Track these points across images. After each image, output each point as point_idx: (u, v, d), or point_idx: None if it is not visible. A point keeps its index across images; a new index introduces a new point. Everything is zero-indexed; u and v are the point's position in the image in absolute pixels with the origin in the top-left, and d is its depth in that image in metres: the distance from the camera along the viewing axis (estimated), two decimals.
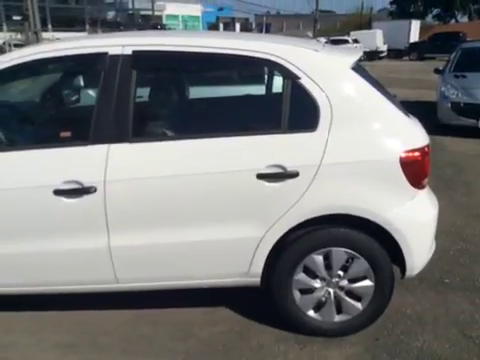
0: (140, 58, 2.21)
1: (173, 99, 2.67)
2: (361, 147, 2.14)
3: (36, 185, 2.14)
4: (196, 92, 3.16)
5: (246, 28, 48.20)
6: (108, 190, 2.13)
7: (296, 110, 2.17)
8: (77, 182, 2.12)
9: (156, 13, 42.52)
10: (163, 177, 2.15)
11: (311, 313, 2.32)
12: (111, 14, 43.52)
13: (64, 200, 2.14)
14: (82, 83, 3.76)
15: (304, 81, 2.15)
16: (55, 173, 2.15)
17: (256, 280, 2.30)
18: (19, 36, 21.97)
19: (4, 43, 23.53)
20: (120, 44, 2.23)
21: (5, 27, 26.98)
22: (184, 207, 2.19)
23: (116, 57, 2.19)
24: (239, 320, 2.51)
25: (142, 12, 43.16)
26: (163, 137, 2.31)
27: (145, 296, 2.44)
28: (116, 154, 2.15)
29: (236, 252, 2.23)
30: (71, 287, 2.35)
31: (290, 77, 2.17)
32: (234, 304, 2.62)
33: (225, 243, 2.21)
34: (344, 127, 2.13)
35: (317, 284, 2.27)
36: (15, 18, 28.16)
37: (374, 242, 2.20)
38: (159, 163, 2.17)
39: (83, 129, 2.20)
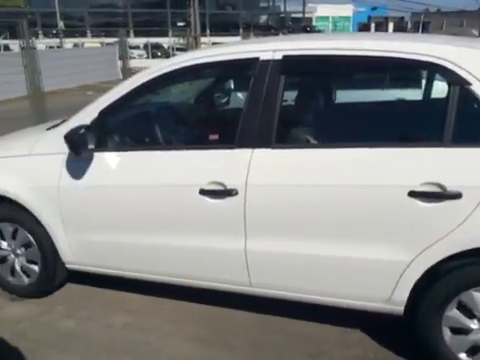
0: (290, 63, 2.17)
1: (320, 105, 2.58)
2: None
3: (185, 183, 2.26)
4: (345, 97, 3.01)
5: (400, 27, 45.28)
6: (249, 194, 2.14)
7: (463, 121, 1.89)
8: (221, 184, 2.17)
9: (306, 15, 42.81)
10: (304, 185, 2.07)
11: (463, 356, 2.00)
12: (263, 18, 45.17)
13: (208, 200, 2.21)
14: (232, 87, 3.90)
15: (476, 87, 1.85)
16: (202, 173, 2.24)
17: (399, 308, 2.07)
18: (181, 41, 24.26)
19: (168, 47, 26.27)
20: (271, 49, 2.21)
21: (170, 33, 30.11)
22: (324, 219, 2.08)
23: (266, 62, 2.18)
24: (374, 346, 2.31)
25: (293, 15, 43.87)
26: (307, 144, 2.23)
27: (275, 301, 2.40)
28: (258, 159, 2.14)
29: (378, 275, 2.04)
30: (206, 283, 2.43)
31: (458, 82, 1.89)
32: (369, 328, 2.42)
33: (366, 263, 2.04)
34: None
35: (474, 325, 1.94)
36: (179, 24, 31.21)
37: None
38: (301, 171, 2.09)
39: (230, 132, 2.25)
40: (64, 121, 2.69)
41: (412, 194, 1.88)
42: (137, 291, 2.81)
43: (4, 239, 2.81)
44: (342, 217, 2.05)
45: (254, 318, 2.57)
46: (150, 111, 2.83)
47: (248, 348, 2.36)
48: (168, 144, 2.57)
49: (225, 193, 2.17)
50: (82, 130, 2.33)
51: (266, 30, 33.11)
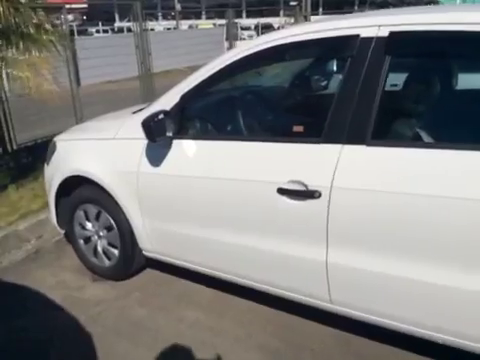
0: (398, 40, 1.78)
1: (435, 94, 2.11)
2: None
3: (263, 179, 2.01)
4: (470, 84, 2.45)
5: None
6: (333, 198, 1.82)
7: None
8: (302, 183, 1.89)
9: None
10: (404, 194, 1.69)
11: None
12: None
13: (286, 200, 1.94)
14: (335, 68, 3.48)
15: None
16: (283, 170, 1.97)
17: None
18: (292, 20, 23.67)
19: (278, 27, 25.86)
20: (376, 24, 1.83)
21: (282, 12, 29.59)
22: (426, 237, 1.68)
23: (368, 40, 1.82)
24: None
25: None
26: (412, 143, 1.83)
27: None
28: (348, 157, 1.81)
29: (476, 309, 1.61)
30: (280, 291, 2.18)
31: None
32: None
33: (465, 295, 1.62)
34: None
35: None
36: (292, 4, 30.50)
37: None
38: (402, 176, 1.71)
39: (318, 123, 1.94)
40: (150, 105, 2.60)
41: None
42: (211, 284, 2.65)
43: (89, 220, 2.86)
44: (452, 238, 1.63)
45: (333, 335, 2.27)
46: (234, 96, 2.62)
47: None
48: (249, 134, 2.34)
49: (306, 194, 1.88)
50: (160, 116, 2.20)
51: (384, 7, 30.86)
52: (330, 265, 1.91)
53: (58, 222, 3.06)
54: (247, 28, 26.49)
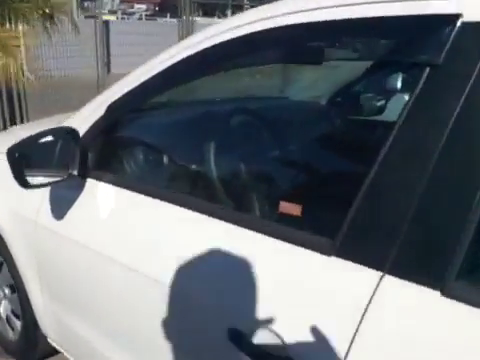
0: None
1: None
2: None
3: (210, 303, 0.97)
4: None
5: None
6: None
7: None
8: (278, 337, 0.83)
9: None
10: None
11: None
12: None
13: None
14: (399, 84, 2.26)
15: None
16: (245, 297, 0.91)
17: None
18: None
19: None
20: None
21: None
22: None
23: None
24: None
25: None
26: None
27: None
28: (395, 311, 0.72)
29: None
30: None
31: None
32: None
33: None
34: None
35: None
36: None
37: None
38: None
39: (333, 210, 0.85)
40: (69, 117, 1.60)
41: None
42: None
43: None
44: None
45: None
46: (214, 114, 1.55)
47: None
48: (211, 200, 1.26)
49: None
50: (46, 139, 1.23)
51: None
52: None
53: None
54: None
